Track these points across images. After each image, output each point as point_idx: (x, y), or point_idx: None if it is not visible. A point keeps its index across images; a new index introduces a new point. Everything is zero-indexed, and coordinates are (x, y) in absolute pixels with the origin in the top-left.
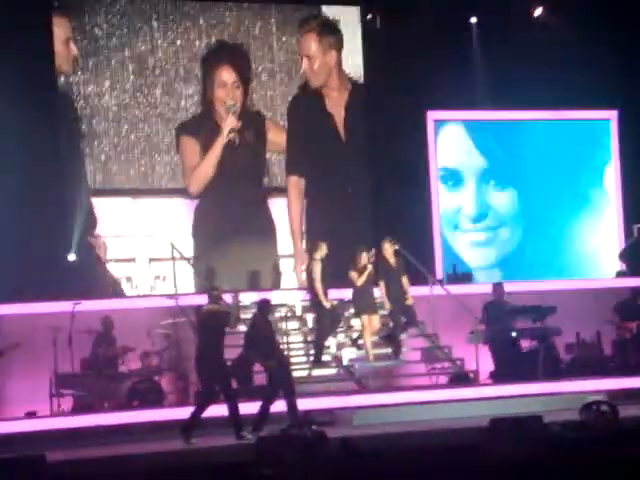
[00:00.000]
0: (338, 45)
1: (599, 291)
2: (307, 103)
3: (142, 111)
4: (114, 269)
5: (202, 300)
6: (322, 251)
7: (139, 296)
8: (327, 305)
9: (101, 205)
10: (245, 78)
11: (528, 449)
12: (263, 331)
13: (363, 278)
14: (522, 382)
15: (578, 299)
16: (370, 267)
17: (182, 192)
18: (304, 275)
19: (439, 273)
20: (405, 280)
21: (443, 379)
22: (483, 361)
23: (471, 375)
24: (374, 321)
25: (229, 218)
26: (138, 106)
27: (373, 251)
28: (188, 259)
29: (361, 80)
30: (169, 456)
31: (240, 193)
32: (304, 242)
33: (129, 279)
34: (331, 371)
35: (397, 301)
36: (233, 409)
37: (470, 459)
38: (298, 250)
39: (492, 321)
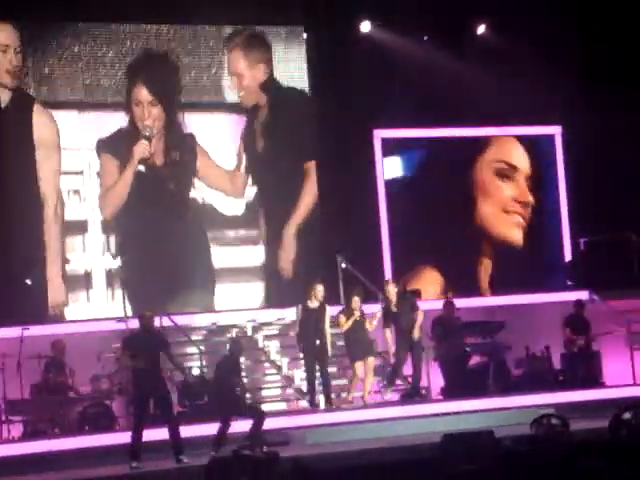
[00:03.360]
0: (266, 58)
1: (547, 305)
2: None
3: None
4: (63, 182)
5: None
6: (316, 294)
7: (89, 320)
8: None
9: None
10: (166, 95)
11: (480, 464)
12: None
13: (349, 323)
14: (473, 397)
15: (527, 314)
16: (357, 313)
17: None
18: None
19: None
20: (416, 317)
21: (395, 396)
22: (434, 377)
23: (423, 391)
24: (369, 364)
25: (152, 245)
26: None
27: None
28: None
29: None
30: None
31: (164, 221)
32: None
33: (76, 192)
34: (283, 391)
35: (404, 342)
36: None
37: (423, 475)
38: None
39: (442, 337)
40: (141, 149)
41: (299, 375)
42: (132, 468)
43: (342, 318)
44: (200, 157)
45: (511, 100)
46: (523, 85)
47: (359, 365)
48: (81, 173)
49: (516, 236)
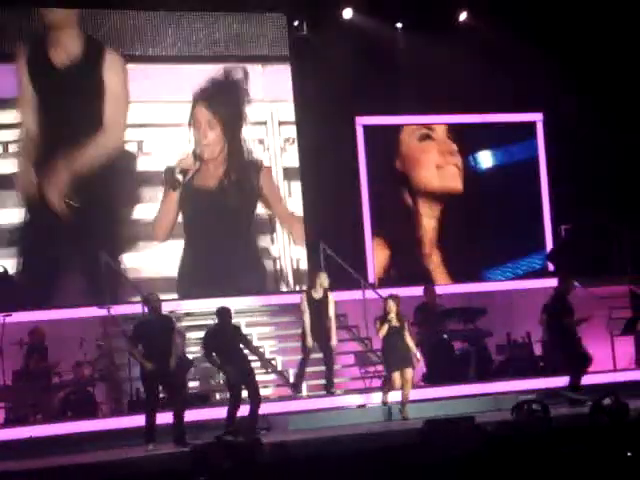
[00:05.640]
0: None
1: (528, 291)
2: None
3: None
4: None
5: (134, 309)
6: (322, 282)
7: (71, 306)
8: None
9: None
10: (226, 116)
11: (461, 450)
12: (220, 337)
13: (384, 329)
14: (454, 384)
15: (508, 300)
16: (393, 317)
17: None
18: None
19: (371, 277)
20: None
21: (377, 382)
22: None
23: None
24: (407, 375)
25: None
26: None
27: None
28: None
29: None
30: (103, 467)
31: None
32: None
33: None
34: (265, 377)
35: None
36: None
37: (405, 461)
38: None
39: (423, 324)
40: (184, 162)
41: (282, 361)
42: (148, 451)
43: (378, 324)
44: (266, 184)
45: (494, 87)
46: (505, 72)
47: (397, 376)
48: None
49: (457, 185)
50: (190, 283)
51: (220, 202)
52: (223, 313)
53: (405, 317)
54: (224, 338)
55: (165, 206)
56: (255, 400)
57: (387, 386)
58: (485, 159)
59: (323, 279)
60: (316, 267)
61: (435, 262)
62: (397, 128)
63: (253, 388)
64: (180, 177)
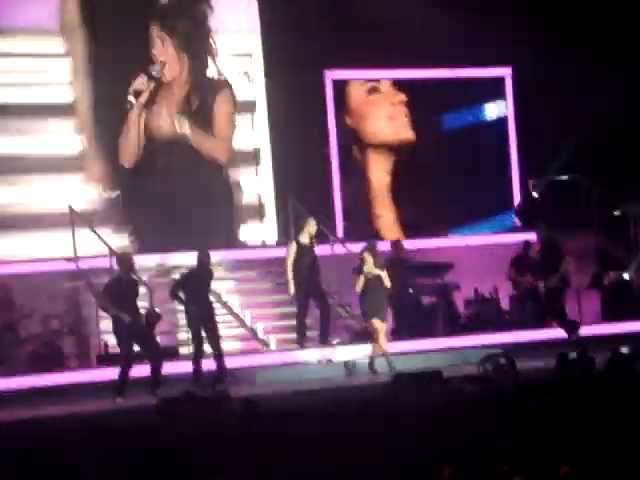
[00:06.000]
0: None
1: (496, 246)
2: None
3: None
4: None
5: (102, 262)
6: (310, 229)
7: (39, 260)
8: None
9: None
10: (182, 35)
11: (429, 403)
12: (192, 278)
13: (359, 283)
14: (422, 338)
15: (475, 255)
16: (369, 268)
17: None
18: None
19: (340, 231)
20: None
21: (345, 336)
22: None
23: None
24: (382, 326)
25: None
26: None
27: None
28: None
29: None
30: (73, 419)
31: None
32: None
33: None
34: (234, 331)
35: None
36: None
37: (373, 414)
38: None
39: (392, 278)
40: (136, 82)
41: (249, 315)
42: (117, 404)
43: (354, 277)
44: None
45: (463, 41)
46: (475, 26)
47: (377, 322)
48: None
49: (409, 135)
50: (155, 235)
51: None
52: (201, 257)
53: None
54: (196, 280)
55: (125, 128)
56: (216, 350)
57: (370, 338)
58: (452, 116)
59: (311, 226)
60: (285, 221)
61: (390, 218)
62: (345, 83)
63: (213, 337)
64: (132, 99)
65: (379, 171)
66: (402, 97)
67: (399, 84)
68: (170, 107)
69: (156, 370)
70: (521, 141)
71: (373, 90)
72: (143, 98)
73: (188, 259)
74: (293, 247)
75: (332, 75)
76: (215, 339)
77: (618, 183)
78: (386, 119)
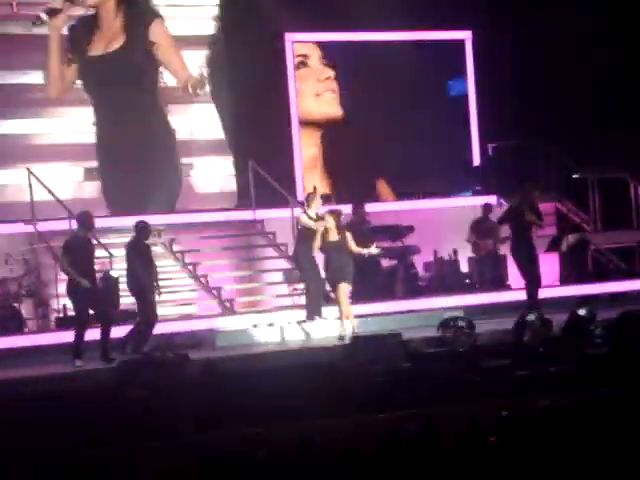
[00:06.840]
0: None
1: (455, 209)
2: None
3: None
4: None
5: (60, 226)
6: (316, 204)
7: None
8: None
9: None
10: None
11: (388, 365)
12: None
13: (317, 243)
14: (381, 300)
15: (435, 218)
16: (330, 231)
17: None
18: None
19: (300, 194)
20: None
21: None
22: None
23: (332, 295)
24: (340, 289)
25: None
26: None
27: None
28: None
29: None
30: (32, 382)
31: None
32: None
33: None
34: (194, 294)
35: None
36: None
37: (332, 376)
38: None
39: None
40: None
41: (212, 278)
42: (76, 367)
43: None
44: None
45: (422, 3)
46: None
47: (344, 286)
48: None
49: (337, 112)
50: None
51: (120, 65)
52: (140, 229)
53: (345, 230)
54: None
55: (47, 56)
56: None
57: (331, 302)
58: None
59: (319, 201)
60: (245, 185)
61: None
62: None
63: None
64: (44, 16)
65: (307, 145)
66: (330, 72)
67: (328, 58)
68: (104, 38)
69: (105, 334)
70: (481, 106)
71: (301, 64)
72: (59, 20)
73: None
74: (312, 223)
75: (292, 37)
76: (150, 309)
77: (578, 147)
78: (312, 95)
